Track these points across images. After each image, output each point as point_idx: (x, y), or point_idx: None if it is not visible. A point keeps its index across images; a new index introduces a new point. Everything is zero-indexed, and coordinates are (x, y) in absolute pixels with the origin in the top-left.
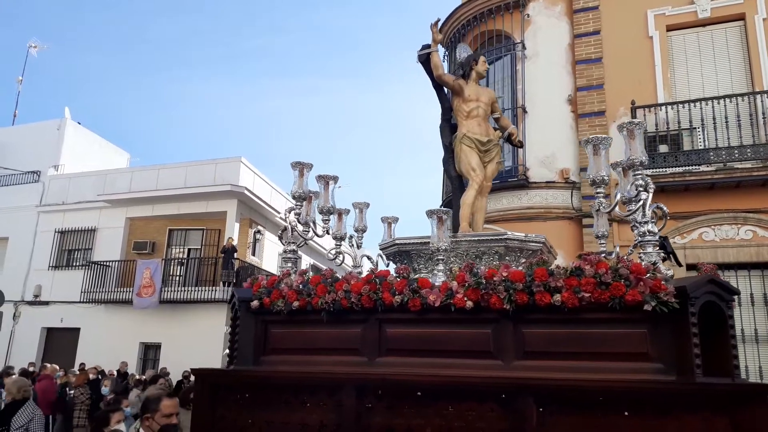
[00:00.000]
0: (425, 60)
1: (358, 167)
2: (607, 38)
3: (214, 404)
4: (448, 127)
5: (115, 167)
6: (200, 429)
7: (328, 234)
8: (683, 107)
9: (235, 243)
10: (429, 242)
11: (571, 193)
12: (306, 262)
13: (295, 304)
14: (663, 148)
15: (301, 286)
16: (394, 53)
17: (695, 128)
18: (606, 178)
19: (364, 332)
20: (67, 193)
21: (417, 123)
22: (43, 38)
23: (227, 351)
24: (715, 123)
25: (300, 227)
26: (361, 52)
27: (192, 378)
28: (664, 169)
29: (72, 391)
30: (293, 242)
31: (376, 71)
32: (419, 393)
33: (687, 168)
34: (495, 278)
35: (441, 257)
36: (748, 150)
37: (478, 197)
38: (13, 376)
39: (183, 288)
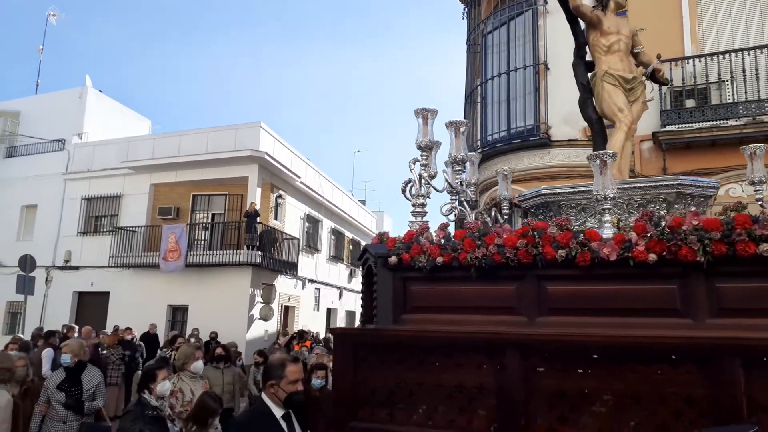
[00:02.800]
0: None
1: (375, 132)
2: None
3: (356, 365)
4: (583, 64)
5: (137, 134)
6: (344, 391)
7: (461, 186)
8: (711, 60)
9: (257, 207)
10: (580, 191)
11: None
12: (327, 226)
13: (439, 259)
14: (690, 103)
15: (443, 241)
16: (412, 18)
17: (724, 81)
18: None
19: (520, 289)
20: (92, 161)
21: (434, 88)
22: (62, 7)
23: (361, 309)
24: (744, 75)
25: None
26: (377, 17)
27: (219, 338)
28: (690, 125)
29: (104, 351)
30: (421, 195)
31: (393, 36)
32: (595, 355)
33: (714, 122)
34: (684, 227)
35: (608, 206)
36: None
37: (625, 141)
38: (75, 337)
39: (208, 252)
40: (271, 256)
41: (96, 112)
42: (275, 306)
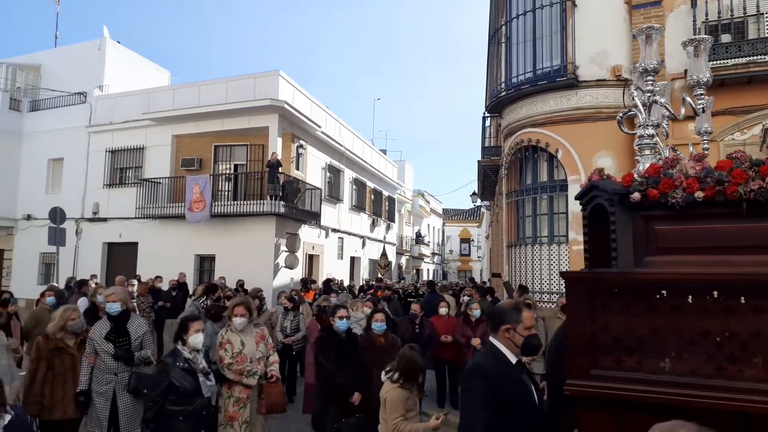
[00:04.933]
0: None
1: (395, 79)
2: None
3: (594, 312)
4: None
5: (156, 86)
6: (581, 338)
7: (704, 113)
8: None
9: (279, 157)
10: None
11: (623, 91)
12: (348, 175)
13: (699, 194)
14: (725, 38)
15: (703, 174)
16: None
17: (762, 14)
18: None
19: None
20: (114, 113)
21: (457, 33)
22: None
23: (586, 254)
24: None
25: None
26: None
27: (246, 285)
28: (726, 61)
29: (134, 300)
30: (650, 125)
31: None
32: None
33: (751, 58)
34: None
35: None
36: None
37: None
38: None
39: (232, 202)
40: (294, 206)
41: (115, 64)
42: (300, 255)
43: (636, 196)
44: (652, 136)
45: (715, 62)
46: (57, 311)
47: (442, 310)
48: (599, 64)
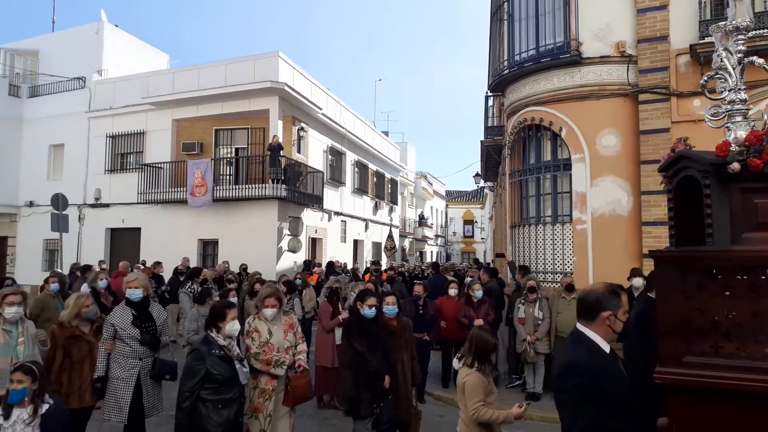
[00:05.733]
0: None
1: (397, 59)
2: None
3: (688, 293)
4: None
5: (155, 69)
6: (672, 324)
7: None
8: None
9: (280, 141)
10: None
11: (627, 67)
12: (350, 158)
13: None
14: (731, 12)
15: None
16: None
17: None
18: None
19: None
20: (113, 98)
21: (460, 11)
22: None
23: (671, 230)
24: None
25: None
26: None
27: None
28: None
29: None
30: (741, 89)
31: None
32: None
33: (757, 32)
34: None
35: None
36: None
37: None
38: (137, 272)
39: (234, 186)
40: (296, 189)
41: (113, 48)
42: (303, 238)
43: (735, 166)
44: (745, 100)
45: None
46: (70, 299)
47: (452, 291)
48: (603, 40)
